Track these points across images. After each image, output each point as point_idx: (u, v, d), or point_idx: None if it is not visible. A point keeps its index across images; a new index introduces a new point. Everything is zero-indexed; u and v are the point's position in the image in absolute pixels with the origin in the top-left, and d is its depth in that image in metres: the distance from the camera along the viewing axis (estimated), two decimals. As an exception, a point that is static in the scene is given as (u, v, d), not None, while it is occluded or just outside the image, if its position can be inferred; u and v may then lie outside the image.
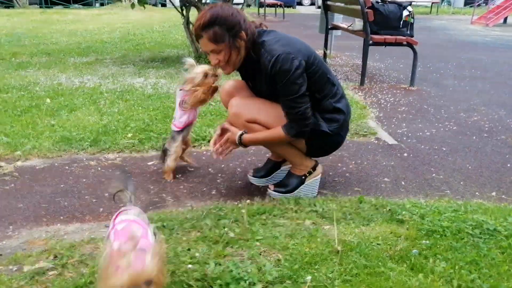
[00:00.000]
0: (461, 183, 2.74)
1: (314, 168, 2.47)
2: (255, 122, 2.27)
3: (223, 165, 2.97)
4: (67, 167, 2.96)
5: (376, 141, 3.48)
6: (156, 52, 7.77)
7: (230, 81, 2.52)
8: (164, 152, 2.77)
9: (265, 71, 2.17)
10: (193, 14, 6.63)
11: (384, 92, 5.15)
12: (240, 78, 2.52)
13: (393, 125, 3.90)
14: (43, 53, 7.57)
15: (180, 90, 2.61)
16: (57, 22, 13.38)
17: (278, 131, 2.24)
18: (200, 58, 6.54)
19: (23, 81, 5.32)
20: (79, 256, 1.92)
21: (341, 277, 1.68)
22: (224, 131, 2.40)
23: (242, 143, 2.32)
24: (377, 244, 1.93)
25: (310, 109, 2.20)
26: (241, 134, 2.30)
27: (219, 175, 2.83)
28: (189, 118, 2.68)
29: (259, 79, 2.28)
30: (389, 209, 2.26)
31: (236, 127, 2.32)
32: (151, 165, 3.00)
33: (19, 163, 3.03)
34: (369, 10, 5.05)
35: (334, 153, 2.63)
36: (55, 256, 1.92)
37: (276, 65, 2.10)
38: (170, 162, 2.73)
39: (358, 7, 5.14)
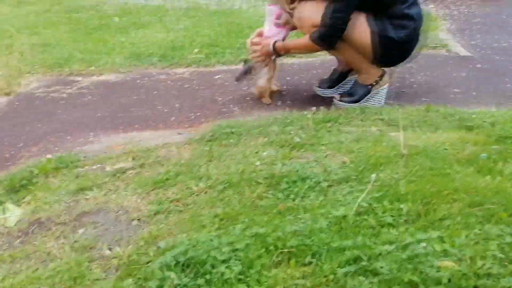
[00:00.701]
0: (538, 93, 2.60)
1: (381, 78, 2.42)
2: None
3: (288, 78, 2.98)
4: (138, 81, 3.10)
5: (447, 53, 3.32)
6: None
7: None
8: (249, 70, 2.64)
9: None
10: None
11: (458, 3, 4.80)
12: None
13: (466, 37, 3.68)
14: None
15: (270, 6, 2.49)
16: None
17: (305, 38, 2.29)
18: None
19: (91, 1, 5.47)
20: (155, 157, 2.06)
21: (406, 177, 1.70)
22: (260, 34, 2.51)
23: (276, 51, 2.42)
24: (444, 149, 1.91)
25: (344, 23, 2.19)
26: (275, 42, 2.40)
27: (285, 87, 2.85)
28: (282, 36, 2.51)
29: None
30: (458, 117, 2.20)
31: (303, 32, 2.31)
32: (218, 78, 3.06)
33: (94, 78, 3.21)
34: None
35: (401, 64, 2.55)
36: (133, 158, 2.08)
37: None
38: (264, 82, 2.59)
39: None
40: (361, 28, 2.22)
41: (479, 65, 3.06)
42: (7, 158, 2.24)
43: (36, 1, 5.63)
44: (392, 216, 1.48)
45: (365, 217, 1.48)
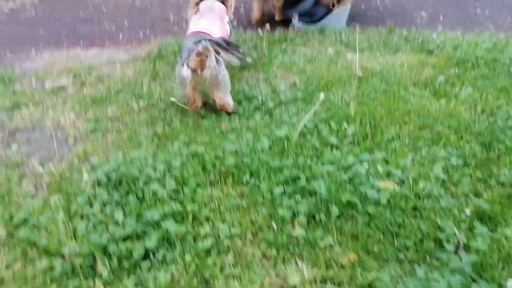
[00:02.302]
0: (508, 19, 2.50)
1: (343, -4, 2.28)
2: None
3: (247, -4, 2.80)
4: (87, -4, 2.87)
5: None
6: None
7: None
8: None
9: None
10: None
11: None
12: None
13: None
14: None
15: None
16: None
17: None
18: None
19: None
20: (97, 75, 1.92)
21: (358, 98, 1.61)
22: None
23: None
24: (401, 71, 1.82)
25: None
26: None
27: (242, 4, 2.67)
28: None
29: None
30: (420, 40, 2.10)
31: None
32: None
33: (39, -8, 2.95)
34: None
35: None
36: (75, 75, 1.93)
37: None
38: None
39: None
40: None
41: (449, -12, 2.93)
42: None
43: None
44: (337, 137, 1.40)
45: (309, 137, 1.40)
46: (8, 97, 1.78)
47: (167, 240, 1.06)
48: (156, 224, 1.10)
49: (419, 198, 1.18)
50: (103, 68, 1.99)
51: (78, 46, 2.27)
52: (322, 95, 1.43)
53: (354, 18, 2.43)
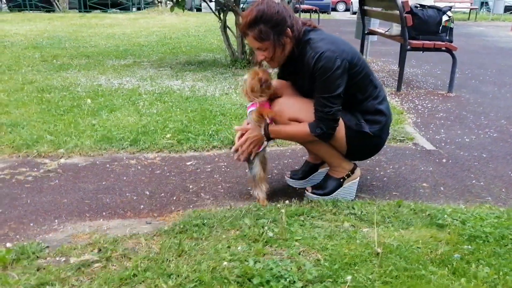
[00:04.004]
0: (503, 190, 2.68)
1: (352, 171, 2.46)
2: (297, 120, 2.28)
3: (260, 167, 2.99)
4: (108, 165, 3.04)
5: (414, 147, 3.44)
6: (192, 55, 7.89)
7: (274, 81, 2.53)
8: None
9: (307, 67, 2.19)
10: (230, 18, 6.72)
11: (422, 98, 5.08)
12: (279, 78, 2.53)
13: (431, 131, 3.85)
14: (83, 55, 7.79)
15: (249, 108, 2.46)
16: (96, 25, 13.73)
17: (303, 127, 2.27)
18: (235, 62, 6.61)
19: (64, 82, 5.50)
20: (122, 250, 1.97)
21: (381, 278, 1.67)
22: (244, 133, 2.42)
23: (268, 134, 2.35)
24: (417, 247, 1.91)
25: (340, 113, 2.22)
26: (267, 125, 2.34)
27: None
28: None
29: (301, 75, 2.30)
30: (429, 214, 2.23)
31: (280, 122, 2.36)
32: (190, 165, 3.05)
33: (62, 160, 3.13)
34: (408, 15, 5.00)
35: (371, 157, 2.62)
36: (99, 250, 1.98)
37: (319, 62, 2.13)
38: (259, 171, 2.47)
39: (397, 12, 5.09)
40: None
41: (444, 160, 3.17)
42: (-39, 247, 2.10)
43: (8, 79, 5.62)
44: (370, 322, 1.43)
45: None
46: (33, 275, 1.81)
47: None
48: None
49: None
50: (127, 242, 2.05)
51: (100, 217, 2.36)
52: (349, 278, 1.49)
53: (361, 189, 2.60)
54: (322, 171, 2.64)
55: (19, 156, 3.19)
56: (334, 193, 2.45)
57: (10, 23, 13.70)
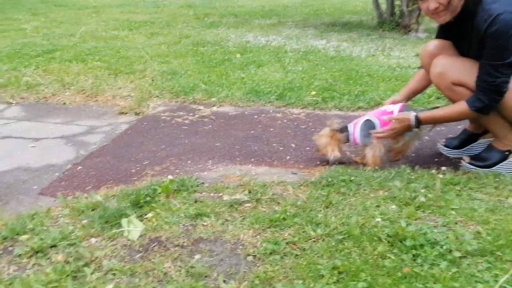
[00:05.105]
0: None
1: (520, 145, 2.22)
2: (462, 85, 2.10)
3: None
4: (256, 116, 3.15)
5: None
6: (336, 17, 7.72)
7: (433, 41, 2.34)
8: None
9: (477, 32, 1.98)
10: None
11: None
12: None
13: None
14: (231, 14, 8.09)
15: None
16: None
17: (459, 106, 2.08)
18: (383, 24, 6.31)
19: (216, 38, 5.78)
20: (271, 194, 2.04)
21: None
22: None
23: (418, 124, 2.21)
24: None
25: (506, 85, 1.98)
26: (416, 115, 2.19)
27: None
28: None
29: (468, 40, 2.09)
30: None
31: (440, 89, 2.19)
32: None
33: (214, 108, 3.32)
34: None
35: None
36: (249, 191, 2.07)
37: (493, 26, 1.90)
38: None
39: None
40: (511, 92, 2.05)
41: None
42: (133, 173, 2.36)
43: (167, 33, 6.09)
44: (541, 304, 1.29)
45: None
46: (192, 205, 1.96)
47: None
48: None
49: None
50: (275, 187, 2.12)
51: (249, 162, 2.46)
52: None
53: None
54: (483, 141, 2.42)
55: (177, 101, 3.46)
56: (496, 166, 2.23)
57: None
